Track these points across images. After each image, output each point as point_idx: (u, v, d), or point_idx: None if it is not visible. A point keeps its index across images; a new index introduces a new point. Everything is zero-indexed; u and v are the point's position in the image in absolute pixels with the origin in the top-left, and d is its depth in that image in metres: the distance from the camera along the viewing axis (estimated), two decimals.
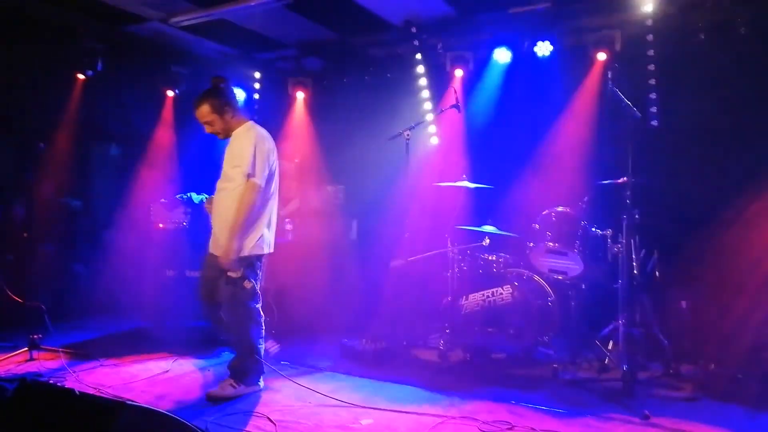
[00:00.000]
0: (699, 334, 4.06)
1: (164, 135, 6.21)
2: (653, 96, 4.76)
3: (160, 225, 5.55)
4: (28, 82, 4.98)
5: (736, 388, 3.58)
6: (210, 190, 3.80)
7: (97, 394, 3.35)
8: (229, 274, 3.47)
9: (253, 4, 4.89)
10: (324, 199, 5.62)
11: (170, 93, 6.25)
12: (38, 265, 4.94)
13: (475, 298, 4.29)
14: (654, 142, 4.49)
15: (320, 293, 5.17)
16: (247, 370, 3.59)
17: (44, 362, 4.15)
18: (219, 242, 3.52)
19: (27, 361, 4.16)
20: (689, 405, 3.48)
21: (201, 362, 4.29)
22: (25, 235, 4.30)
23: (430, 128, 5.74)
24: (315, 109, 6.48)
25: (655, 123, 4.71)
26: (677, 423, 3.19)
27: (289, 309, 4.99)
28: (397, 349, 4.47)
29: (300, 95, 6.43)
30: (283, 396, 3.59)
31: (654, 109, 4.75)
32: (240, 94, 6.64)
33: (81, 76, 5.38)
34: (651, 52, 4.74)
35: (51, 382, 3.38)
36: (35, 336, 4.21)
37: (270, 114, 6.75)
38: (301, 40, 6.03)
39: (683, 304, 4.21)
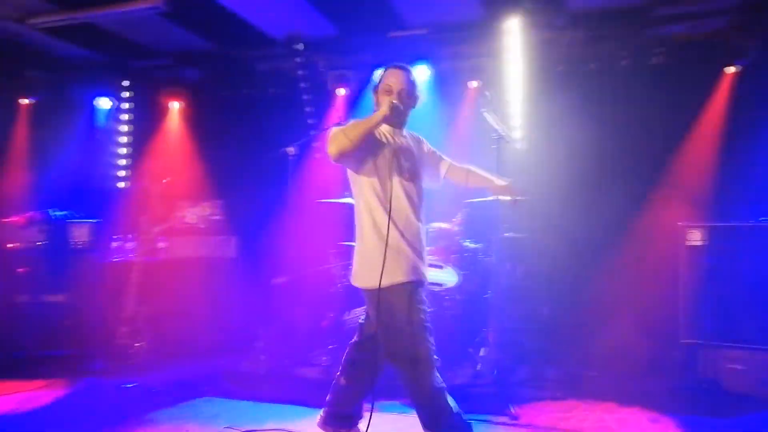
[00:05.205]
0: (559, 338, 4.46)
1: (18, 145, 5.63)
2: (519, 120, 5.19)
3: (9, 245, 5.01)
4: None
5: (594, 385, 3.99)
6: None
7: None
8: None
9: (122, 10, 4.63)
10: (201, 215, 5.41)
11: (25, 101, 5.68)
12: None
13: (357, 312, 4.36)
14: (521, 163, 4.88)
15: (198, 315, 4.96)
16: None
17: None
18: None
19: None
20: (555, 404, 3.79)
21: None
22: None
23: (313, 144, 5.76)
24: (192, 121, 6.24)
25: (520, 146, 5.12)
26: (545, 421, 3.48)
27: (163, 333, 4.72)
28: (282, 368, 4.39)
29: (174, 107, 6.17)
30: (159, 429, 3.38)
31: (519, 133, 5.17)
32: (107, 104, 6.22)
33: None
34: (517, 80, 5.17)
35: None
36: None
37: (142, 126, 6.37)
38: (179, 49, 5.79)
39: (545, 310, 4.62)
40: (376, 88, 2.89)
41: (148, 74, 6.31)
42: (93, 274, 4.93)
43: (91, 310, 4.77)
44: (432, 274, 4.49)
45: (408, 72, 2.83)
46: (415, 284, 2.69)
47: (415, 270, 2.72)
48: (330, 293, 4.61)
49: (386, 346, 2.73)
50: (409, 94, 2.81)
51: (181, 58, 5.98)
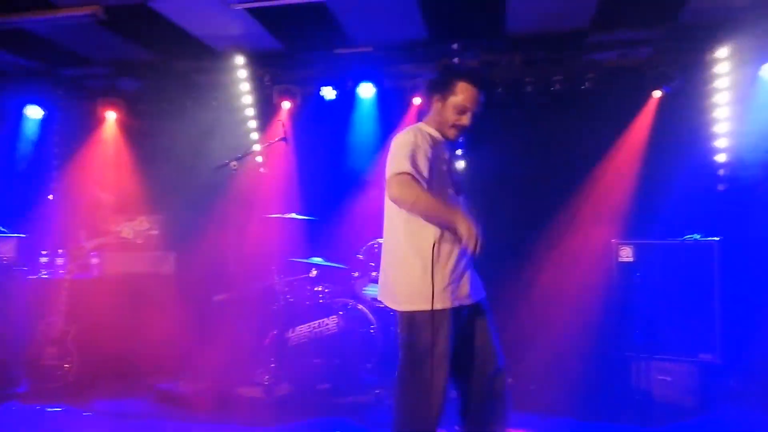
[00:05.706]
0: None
1: None
2: (459, 141, 5.30)
3: None
4: None
5: (531, 398, 4.11)
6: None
7: None
8: None
9: (57, 17, 4.44)
10: (137, 230, 5.22)
11: None
12: None
13: (302, 330, 4.31)
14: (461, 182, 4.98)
15: (133, 334, 4.74)
16: None
17: None
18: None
19: None
20: None
21: None
22: None
23: (257, 158, 5.68)
24: (129, 132, 6.02)
25: (461, 165, 5.24)
26: None
27: (95, 353, 4.49)
28: (220, 388, 4.27)
29: (111, 117, 5.93)
30: None
31: (458, 151, 5.29)
32: (37, 113, 5.94)
33: None
34: None
35: None
36: None
37: (75, 136, 6.09)
38: (116, 58, 5.60)
39: None
40: (442, 94, 2.64)
41: (82, 83, 6.06)
42: (18, 292, 4.65)
43: (16, 329, 4.49)
44: (377, 291, 4.51)
45: (482, 93, 2.65)
46: (456, 310, 2.57)
47: (462, 293, 2.59)
48: (272, 310, 4.53)
49: (403, 370, 2.57)
50: (477, 117, 2.67)
51: (118, 67, 5.78)
